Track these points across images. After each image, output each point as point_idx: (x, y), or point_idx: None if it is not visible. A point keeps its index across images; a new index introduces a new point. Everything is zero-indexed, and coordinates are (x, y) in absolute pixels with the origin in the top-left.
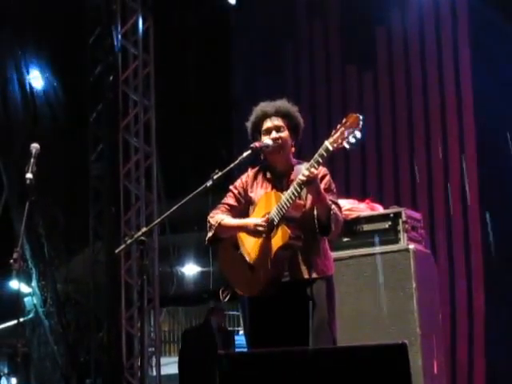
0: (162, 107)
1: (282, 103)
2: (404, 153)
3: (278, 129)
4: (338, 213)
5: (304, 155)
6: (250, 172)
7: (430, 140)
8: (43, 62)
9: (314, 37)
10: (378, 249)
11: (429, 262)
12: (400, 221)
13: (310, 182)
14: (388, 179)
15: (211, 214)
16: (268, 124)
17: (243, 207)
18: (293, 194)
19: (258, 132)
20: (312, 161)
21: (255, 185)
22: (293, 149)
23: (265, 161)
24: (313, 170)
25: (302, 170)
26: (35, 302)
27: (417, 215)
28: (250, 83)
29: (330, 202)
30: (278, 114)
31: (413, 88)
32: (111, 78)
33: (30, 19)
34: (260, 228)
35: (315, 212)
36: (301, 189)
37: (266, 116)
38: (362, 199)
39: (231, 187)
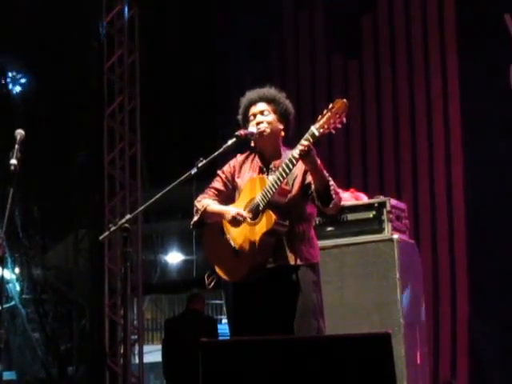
0: (146, 95)
1: (267, 89)
2: (389, 142)
3: (262, 113)
4: (336, 187)
5: (288, 141)
6: (239, 157)
7: (415, 129)
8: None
9: (299, 24)
10: (361, 238)
11: (413, 252)
12: (384, 210)
13: (307, 155)
14: (373, 168)
15: (198, 198)
16: (253, 110)
17: (230, 192)
18: (278, 178)
19: (247, 121)
20: (298, 145)
21: (243, 170)
22: (282, 133)
23: (254, 147)
24: (306, 142)
25: (288, 156)
26: (13, 290)
27: (401, 205)
28: (237, 71)
29: (327, 175)
30: (263, 99)
31: (398, 76)
32: (96, 65)
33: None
34: (238, 218)
35: (313, 187)
36: (286, 174)
37: (251, 103)
38: (346, 188)
39: (219, 172)
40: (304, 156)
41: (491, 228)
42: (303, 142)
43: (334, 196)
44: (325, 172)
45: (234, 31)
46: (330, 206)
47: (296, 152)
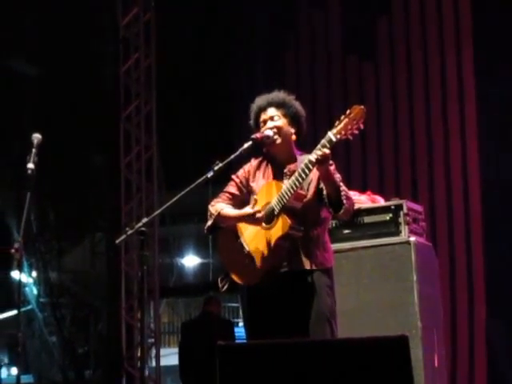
0: (162, 99)
1: (275, 94)
2: (405, 144)
3: (272, 118)
4: (348, 192)
5: (304, 144)
6: (253, 162)
7: (431, 131)
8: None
9: (314, 25)
10: (378, 241)
11: (430, 255)
12: (401, 213)
13: (323, 161)
14: (389, 171)
15: (212, 203)
16: (263, 116)
17: (244, 196)
18: (294, 183)
19: (258, 127)
20: (314, 151)
21: (257, 174)
22: (293, 136)
23: (267, 152)
24: (325, 150)
25: (304, 161)
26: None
27: (418, 207)
28: (251, 72)
29: (339, 180)
30: (272, 104)
31: (414, 78)
32: (112, 68)
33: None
34: (258, 215)
35: (324, 192)
36: (302, 179)
37: (260, 110)
38: (363, 191)
39: (233, 176)
40: (321, 162)
41: (508, 230)
42: (322, 148)
43: (344, 201)
44: (336, 177)
45: (248, 32)
46: (341, 211)
47: (313, 157)
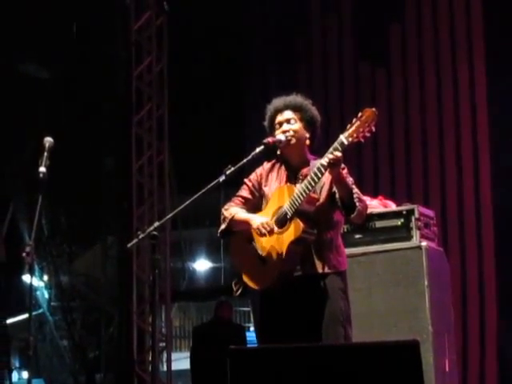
0: (174, 103)
1: (293, 97)
2: (417, 149)
3: (288, 121)
4: (361, 194)
5: (316, 150)
6: (266, 165)
7: (443, 137)
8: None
9: (327, 34)
10: (390, 246)
11: (441, 260)
12: (413, 218)
13: (335, 165)
14: (401, 176)
15: (226, 207)
16: (279, 118)
17: (257, 200)
18: (307, 187)
19: (273, 129)
20: (327, 153)
21: (269, 178)
22: (308, 141)
23: (280, 155)
24: (336, 153)
25: (316, 165)
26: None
27: (430, 212)
28: (263, 80)
29: (351, 183)
30: (288, 107)
31: (426, 85)
32: (124, 72)
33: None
34: (262, 231)
35: (337, 195)
36: (315, 182)
37: (277, 111)
38: (374, 196)
39: (246, 180)
40: (333, 166)
41: None
42: (334, 151)
43: (357, 204)
44: (348, 180)
45: (261, 40)
46: (355, 213)
47: (325, 161)
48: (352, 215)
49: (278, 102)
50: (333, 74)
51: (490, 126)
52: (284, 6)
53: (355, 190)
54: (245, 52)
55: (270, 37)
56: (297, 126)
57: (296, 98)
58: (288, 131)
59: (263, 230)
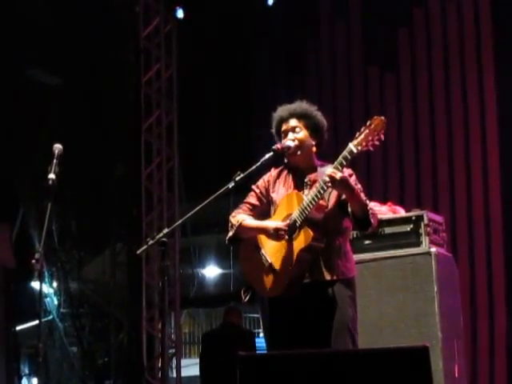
0: (184, 109)
1: (298, 105)
2: (426, 155)
3: (293, 130)
4: (372, 208)
5: (325, 156)
6: (273, 171)
7: (452, 142)
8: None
9: (335, 38)
10: (399, 251)
11: (450, 266)
12: (422, 224)
13: (334, 183)
14: (410, 181)
15: (233, 214)
16: (284, 127)
17: (265, 207)
18: (316, 195)
19: (280, 137)
20: (336, 163)
21: (277, 185)
22: (314, 148)
23: (288, 162)
24: (335, 171)
25: (326, 172)
26: (50, 304)
27: (439, 218)
28: (272, 84)
29: (365, 198)
30: (293, 115)
31: (435, 90)
32: (133, 79)
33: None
34: (281, 232)
35: (349, 209)
36: (324, 190)
37: (282, 120)
38: (383, 202)
39: (253, 187)
40: (333, 184)
41: None
42: (338, 165)
43: (372, 221)
44: (362, 196)
45: (271, 44)
46: (368, 231)
47: (327, 175)
48: (365, 231)
49: (282, 110)
50: (342, 78)
51: (499, 130)
52: (293, 9)
53: (369, 206)
54: (255, 57)
55: (279, 40)
56: (302, 134)
57: (301, 106)
58: (293, 140)
59: (281, 232)
